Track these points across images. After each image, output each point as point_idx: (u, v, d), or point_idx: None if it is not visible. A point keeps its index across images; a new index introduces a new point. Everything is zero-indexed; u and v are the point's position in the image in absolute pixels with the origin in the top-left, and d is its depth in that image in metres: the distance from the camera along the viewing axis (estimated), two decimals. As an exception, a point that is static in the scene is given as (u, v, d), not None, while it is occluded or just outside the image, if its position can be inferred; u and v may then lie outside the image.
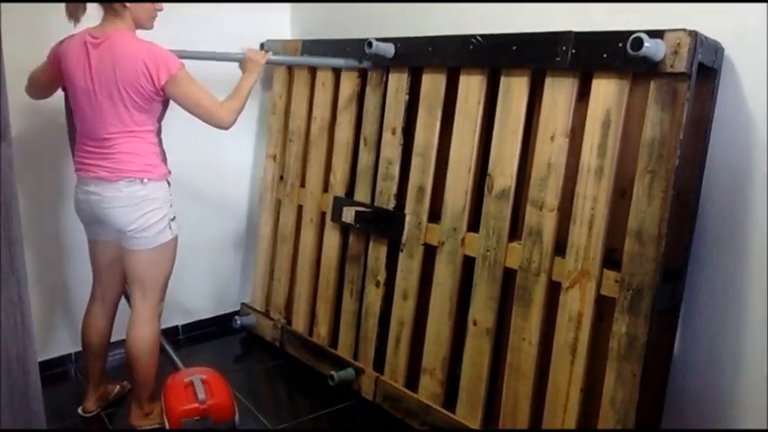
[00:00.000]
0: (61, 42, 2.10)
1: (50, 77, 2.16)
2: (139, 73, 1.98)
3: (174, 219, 2.19)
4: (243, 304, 3.21)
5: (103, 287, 2.32)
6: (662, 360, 1.90)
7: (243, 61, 2.29)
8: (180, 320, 3.10)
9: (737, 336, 1.81)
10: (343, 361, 2.60)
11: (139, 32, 2.10)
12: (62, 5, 2.02)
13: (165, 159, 2.21)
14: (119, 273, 2.29)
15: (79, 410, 2.40)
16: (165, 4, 2.14)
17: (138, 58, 1.98)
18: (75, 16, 2.03)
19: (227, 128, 2.14)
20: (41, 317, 2.66)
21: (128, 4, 2.02)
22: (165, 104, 2.16)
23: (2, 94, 0.96)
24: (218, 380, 2.28)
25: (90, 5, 2.04)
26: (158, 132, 2.19)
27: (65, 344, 2.76)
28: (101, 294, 2.33)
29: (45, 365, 2.66)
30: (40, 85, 2.20)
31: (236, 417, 2.25)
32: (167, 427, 2.17)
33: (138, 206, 2.08)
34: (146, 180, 2.09)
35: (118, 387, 2.54)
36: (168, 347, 2.60)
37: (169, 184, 2.19)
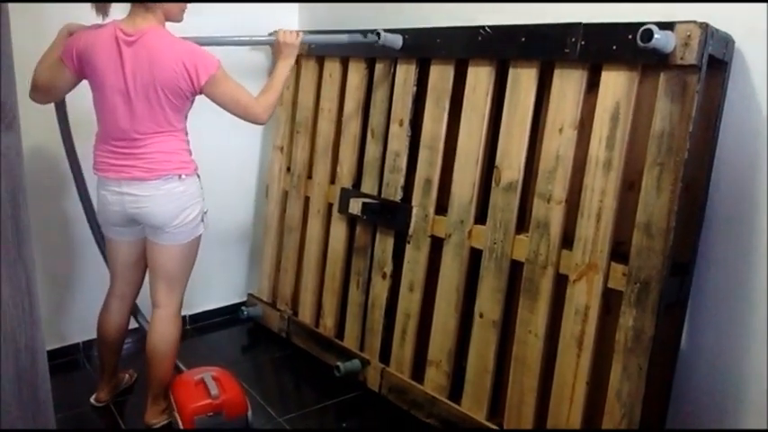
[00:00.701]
0: (78, 38, 2.00)
1: (69, 77, 2.05)
2: (179, 74, 1.96)
3: (206, 212, 2.20)
4: (250, 295, 3.22)
5: (123, 285, 2.30)
6: (668, 354, 1.89)
7: (275, 45, 2.21)
8: (187, 311, 3.10)
9: (744, 330, 1.80)
10: (349, 352, 2.60)
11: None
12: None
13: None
14: (141, 270, 2.29)
15: (92, 400, 2.41)
16: None
17: (178, 59, 1.95)
18: (103, 10, 1.98)
19: (263, 123, 2.15)
20: (50, 306, 2.68)
21: None
22: (193, 100, 2.13)
23: (8, 84, 0.96)
24: (229, 377, 2.27)
25: None
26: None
27: (74, 333, 2.78)
28: (120, 291, 2.31)
29: (53, 354, 2.68)
30: (54, 86, 2.07)
31: (249, 413, 2.24)
32: (180, 425, 2.15)
33: (179, 202, 2.09)
34: (183, 176, 2.09)
35: (127, 376, 2.55)
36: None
37: (199, 177, 2.18)
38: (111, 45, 1.96)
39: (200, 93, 2.03)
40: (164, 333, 2.21)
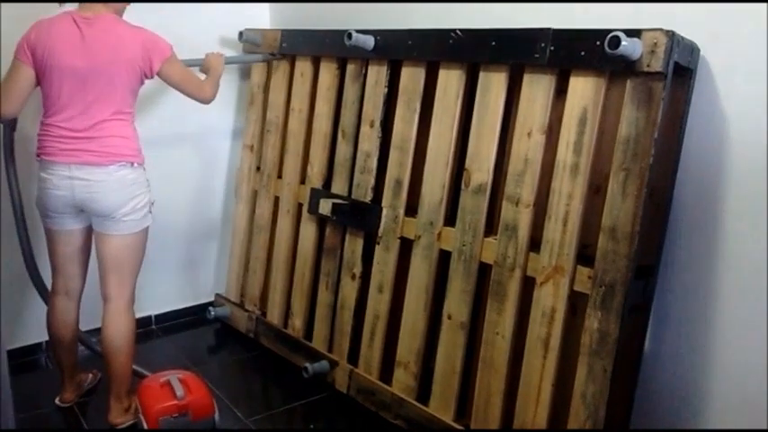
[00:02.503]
0: (29, 32, 2.02)
1: (26, 72, 2.03)
2: (138, 55, 2.05)
3: (153, 203, 2.21)
4: (217, 295, 3.19)
5: (66, 279, 2.25)
6: (633, 356, 1.92)
7: (204, 64, 2.48)
8: (153, 310, 3.08)
9: (707, 332, 1.84)
10: (317, 353, 2.59)
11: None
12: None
13: None
14: (83, 263, 2.26)
15: (56, 401, 2.37)
16: None
17: (137, 39, 2.06)
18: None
19: (209, 102, 2.34)
20: (10, 305, 2.62)
21: None
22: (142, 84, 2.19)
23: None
24: (195, 379, 2.25)
25: None
26: None
27: (35, 332, 2.71)
28: (64, 287, 2.26)
29: (15, 354, 2.62)
30: (24, 90, 2.05)
31: (216, 414, 2.21)
32: (145, 426, 2.13)
33: (129, 189, 2.09)
34: (135, 164, 2.11)
35: (90, 376, 2.51)
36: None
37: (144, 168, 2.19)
38: (69, 27, 2.00)
39: (154, 74, 2.12)
40: (117, 327, 2.18)
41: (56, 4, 2.14)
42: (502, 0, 2.18)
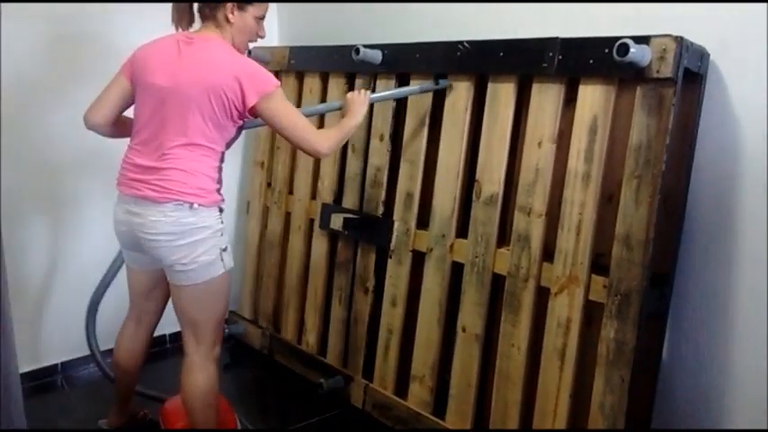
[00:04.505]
0: (139, 48, 1.92)
1: (123, 84, 1.92)
2: (227, 83, 1.78)
3: (225, 249, 1.92)
4: (231, 312, 3.19)
5: (140, 310, 2.13)
6: (650, 365, 1.90)
7: (345, 105, 2.09)
8: (167, 329, 3.07)
9: (725, 340, 1.82)
10: (332, 369, 2.58)
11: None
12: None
13: (221, 186, 1.96)
14: (158, 301, 2.11)
15: (101, 422, 2.30)
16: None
17: (233, 67, 1.80)
18: (180, 24, 1.90)
19: (322, 155, 1.95)
20: (27, 325, 2.63)
21: (232, 19, 1.86)
22: (240, 129, 1.96)
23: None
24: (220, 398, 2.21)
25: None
26: (222, 158, 1.95)
27: (52, 353, 2.73)
28: (136, 317, 2.14)
29: (31, 376, 2.63)
30: (113, 100, 1.92)
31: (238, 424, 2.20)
32: None
33: (184, 234, 1.82)
34: (195, 205, 1.82)
35: (141, 413, 2.37)
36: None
37: (221, 210, 1.95)
38: (170, 45, 1.86)
39: (247, 109, 1.83)
40: (188, 383, 1.95)
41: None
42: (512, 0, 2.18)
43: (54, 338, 2.71)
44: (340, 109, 2.13)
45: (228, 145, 1.97)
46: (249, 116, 1.88)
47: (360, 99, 2.06)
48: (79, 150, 2.58)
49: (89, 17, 2.56)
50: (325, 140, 1.92)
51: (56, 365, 2.76)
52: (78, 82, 2.46)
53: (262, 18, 1.96)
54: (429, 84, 2.21)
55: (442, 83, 2.18)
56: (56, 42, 2.51)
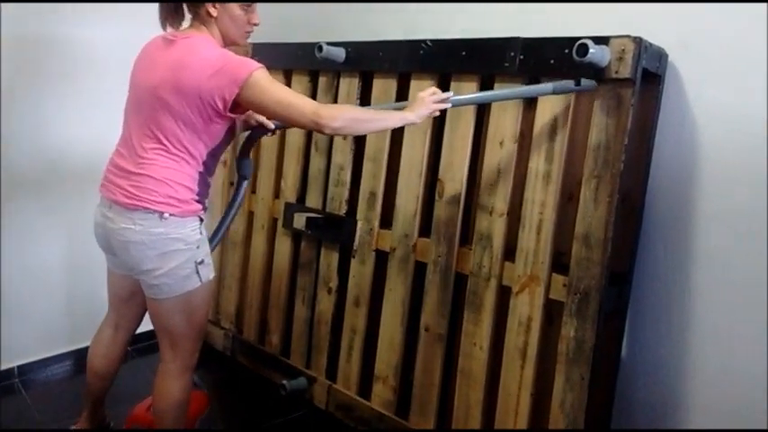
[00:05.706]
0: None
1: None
2: (203, 83, 1.66)
3: (201, 262, 1.80)
4: (193, 313, 3.14)
5: (118, 316, 2.06)
6: (610, 363, 1.92)
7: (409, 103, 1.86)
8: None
9: (683, 337, 1.84)
10: (295, 370, 2.56)
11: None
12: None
13: (206, 195, 1.87)
14: (136, 307, 2.04)
15: (73, 426, 2.21)
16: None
17: (205, 62, 1.68)
18: (167, 23, 1.82)
19: (325, 126, 1.67)
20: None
21: (214, 13, 1.77)
22: (230, 134, 1.84)
23: None
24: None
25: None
26: (211, 167, 1.84)
27: (8, 356, 2.64)
28: (114, 322, 2.07)
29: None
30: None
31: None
32: None
33: (154, 245, 1.72)
34: (166, 215, 1.71)
35: (112, 423, 2.29)
36: None
37: (202, 220, 1.84)
38: (156, 45, 1.80)
39: (228, 106, 1.69)
40: (162, 391, 1.90)
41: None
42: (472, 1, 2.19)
43: (11, 341, 2.63)
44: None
45: (216, 154, 1.85)
46: (232, 115, 1.74)
47: (423, 101, 1.79)
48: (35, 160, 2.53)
49: (60, 18, 2.50)
50: (329, 110, 1.69)
51: (12, 369, 2.68)
52: (45, 86, 2.40)
53: (249, 5, 1.86)
54: (565, 83, 1.74)
55: (585, 84, 1.72)
56: (21, 43, 2.44)
